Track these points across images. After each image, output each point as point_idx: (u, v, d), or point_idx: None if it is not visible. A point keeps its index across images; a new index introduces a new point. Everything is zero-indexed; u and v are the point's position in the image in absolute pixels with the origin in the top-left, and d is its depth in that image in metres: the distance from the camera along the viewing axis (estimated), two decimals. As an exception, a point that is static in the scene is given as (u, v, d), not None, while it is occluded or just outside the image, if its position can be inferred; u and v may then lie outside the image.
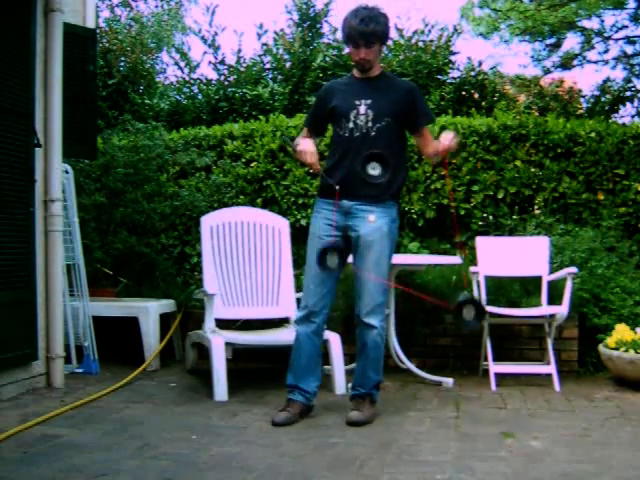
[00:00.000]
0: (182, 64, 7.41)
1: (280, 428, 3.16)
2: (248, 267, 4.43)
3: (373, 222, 3.27)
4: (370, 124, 3.27)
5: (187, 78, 7.37)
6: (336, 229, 3.31)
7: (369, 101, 3.29)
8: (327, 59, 6.81)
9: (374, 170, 3.23)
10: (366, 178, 3.22)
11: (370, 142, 3.25)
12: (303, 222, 5.26)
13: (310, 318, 3.33)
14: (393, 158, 3.31)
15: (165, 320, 4.68)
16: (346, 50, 3.37)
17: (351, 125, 3.29)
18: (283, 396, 3.41)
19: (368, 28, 3.21)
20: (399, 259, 4.40)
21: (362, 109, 3.28)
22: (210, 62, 7.28)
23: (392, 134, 3.32)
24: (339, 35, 7.26)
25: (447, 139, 3.32)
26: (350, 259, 3.41)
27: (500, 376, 4.13)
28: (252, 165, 5.58)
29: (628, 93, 7.35)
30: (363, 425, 3.20)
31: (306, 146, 3.29)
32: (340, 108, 3.32)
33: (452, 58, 7.03)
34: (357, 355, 3.39)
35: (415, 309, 4.59)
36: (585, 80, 18.51)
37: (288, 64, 6.97)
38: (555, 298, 4.36)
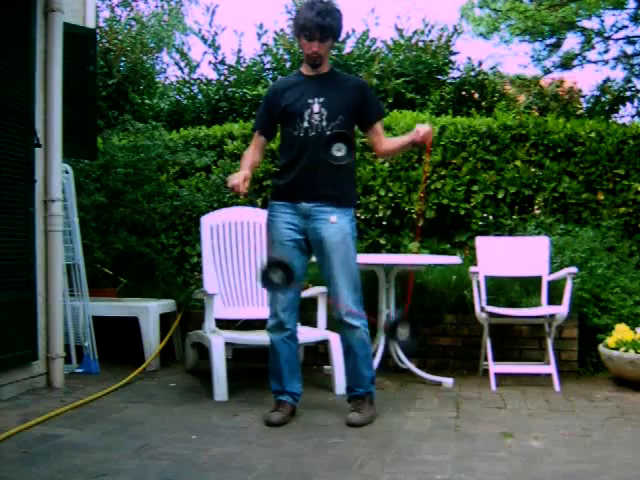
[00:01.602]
0: (182, 64, 7.42)
1: (280, 428, 3.16)
2: (248, 267, 4.43)
3: (335, 222, 3.21)
4: (325, 123, 3.20)
5: (187, 78, 7.38)
6: (297, 232, 3.26)
7: (322, 99, 3.22)
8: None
9: (339, 151, 3.14)
10: (332, 160, 3.12)
11: (325, 141, 3.17)
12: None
13: (283, 326, 3.29)
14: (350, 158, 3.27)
15: (165, 320, 4.68)
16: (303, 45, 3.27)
17: (306, 124, 3.21)
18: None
19: (325, 21, 3.16)
20: (399, 259, 4.41)
21: (316, 108, 3.21)
22: (210, 62, 7.29)
23: (347, 132, 3.24)
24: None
25: (424, 130, 3.21)
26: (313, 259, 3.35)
27: (500, 376, 4.13)
28: (252, 165, 5.58)
29: (628, 93, 7.36)
30: (363, 426, 3.20)
31: (234, 176, 3.21)
32: (293, 107, 3.24)
33: (452, 58, 7.04)
34: (345, 356, 3.35)
35: (415, 309, 4.58)
36: (585, 80, 18.49)
37: (288, 64, 6.98)
38: (555, 298, 4.36)
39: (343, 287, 3.22)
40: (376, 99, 3.52)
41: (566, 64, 9.61)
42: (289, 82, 3.39)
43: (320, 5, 3.17)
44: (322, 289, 4.09)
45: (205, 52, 7.32)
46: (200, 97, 7.13)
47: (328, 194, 3.22)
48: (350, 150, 3.16)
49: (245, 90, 6.81)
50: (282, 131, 3.36)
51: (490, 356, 4.17)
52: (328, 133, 3.19)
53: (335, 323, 3.37)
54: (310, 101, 3.22)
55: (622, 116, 7.29)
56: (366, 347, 3.30)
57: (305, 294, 4.37)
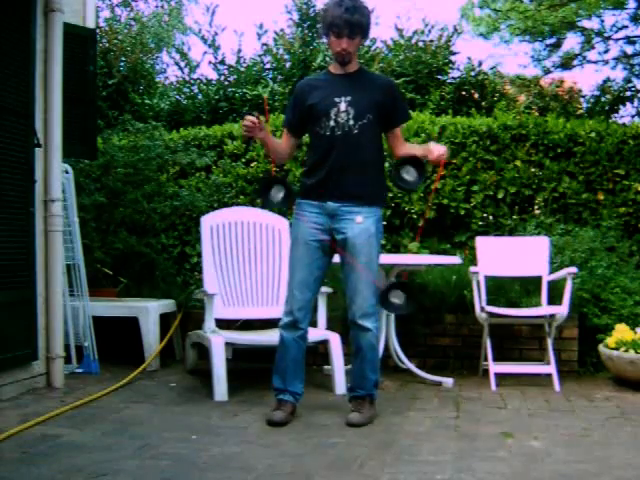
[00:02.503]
0: (182, 64, 7.42)
1: (280, 428, 3.16)
2: (248, 267, 4.43)
3: (361, 223, 3.21)
4: (352, 122, 3.19)
5: (187, 78, 7.37)
6: (323, 232, 3.24)
7: (349, 98, 3.20)
8: (327, 59, 6.81)
9: (408, 174, 3.18)
10: (400, 183, 3.18)
11: (353, 140, 3.18)
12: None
13: (296, 325, 3.27)
14: (378, 157, 3.29)
15: (165, 320, 4.68)
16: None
17: (332, 123, 3.20)
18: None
19: (353, 17, 3.15)
20: (399, 259, 4.41)
21: (343, 106, 3.19)
22: (210, 62, 7.29)
23: (374, 131, 3.26)
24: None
25: (439, 151, 3.25)
26: (337, 259, 3.35)
27: (500, 376, 4.13)
28: (252, 165, 5.58)
29: (628, 93, 7.36)
30: (363, 426, 3.19)
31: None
32: (319, 106, 3.22)
33: (452, 58, 7.04)
34: (353, 358, 3.34)
35: (415, 309, 4.58)
36: (585, 80, 18.49)
37: (288, 64, 6.98)
38: (555, 298, 4.36)
39: (363, 289, 3.21)
40: (404, 102, 3.51)
41: (566, 64, 9.62)
42: (317, 80, 3.41)
43: (348, 2, 3.16)
44: (323, 289, 4.09)
45: (205, 52, 7.33)
46: (200, 97, 7.13)
47: (355, 194, 3.22)
48: (421, 174, 3.19)
49: (245, 90, 6.80)
50: (310, 130, 3.33)
51: (490, 356, 4.17)
52: (356, 132, 3.18)
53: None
54: (337, 100, 3.20)
55: (622, 116, 7.29)
56: (375, 351, 3.31)
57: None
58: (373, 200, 3.27)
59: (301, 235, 3.27)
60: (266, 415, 3.26)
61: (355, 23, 3.17)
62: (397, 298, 3.24)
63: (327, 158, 3.22)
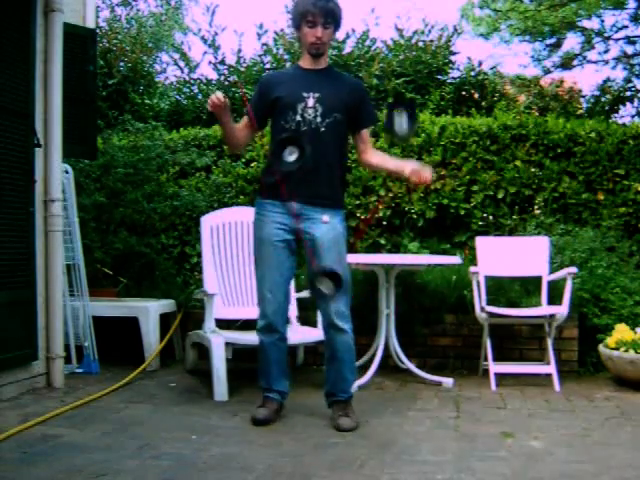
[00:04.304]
0: (182, 64, 7.41)
1: (280, 428, 3.16)
2: (248, 267, 4.43)
3: (327, 222, 3.14)
4: (319, 119, 3.11)
5: (187, 78, 7.37)
6: (288, 232, 3.17)
7: (317, 94, 3.12)
8: (327, 59, 6.80)
9: (291, 155, 2.99)
10: (280, 165, 3.00)
11: (319, 138, 3.09)
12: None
13: (272, 328, 3.21)
14: (342, 158, 3.25)
15: (165, 320, 4.68)
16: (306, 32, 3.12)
17: (298, 118, 3.11)
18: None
19: (328, 5, 3.10)
20: (399, 259, 4.41)
21: (310, 102, 3.11)
22: (210, 62, 7.28)
23: (340, 131, 3.17)
24: (339, 35, 7.26)
25: (424, 177, 3.11)
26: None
27: (500, 376, 4.13)
28: (252, 165, 5.58)
29: (628, 93, 7.36)
30: (355, 430, 3.13)
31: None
32: (286, 99, 3.12)
33: (452, 58, 7.03)
34: (329, 362, 3.25)
35: (415, 309, 4.59)
36: (585, 80, 18.49)
37: (288, 64, 6.97)
38: (555, 298, 4.36)
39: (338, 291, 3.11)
40: (371, 105, 3.43)
41: (566, 64, 9.63)
42: (285, 75, 3.31)
43: None
44: (322, 289, 4.09)
45: (205, 52, 7.32)
46: (200, 97, 7.12)
47: (321, 194, 3.15)
48: (301, 154, 2.99)
49: (245, 90, 6.79)
50: (273, 124, 3.20)
51: (490, 356, 4.17)
52: (322, 130, 3.10)
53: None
54: (305, 94, 3.12)
55: (622, 116, 7.29)
56: (352, 351, 3.23)
57: (305, 294, 4.38)
58: (336, 202, 3.22)
59: (266, 236, 3.18)
60: (251, 413, 3.24)
61: (329, 11, 3.12)
62: (326, 287, 3.04)
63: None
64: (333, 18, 3.16)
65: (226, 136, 3.33)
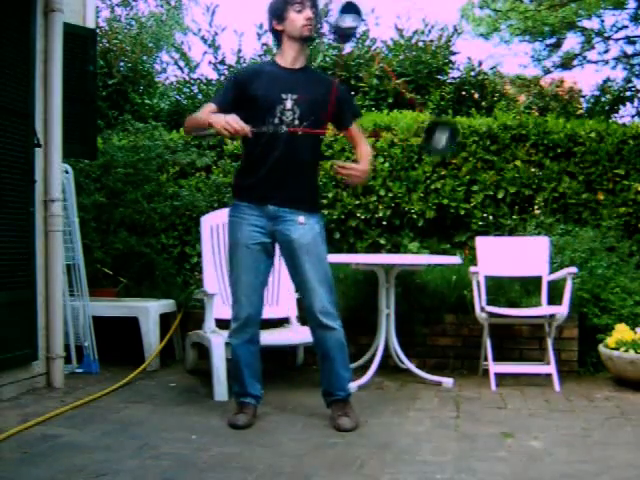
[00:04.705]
0: (182, 64, 7.41)
1: (280, 428, 3.16)
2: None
3: (304, 223, 3.11)
4: (297, 122, 3.06)
5: (187, 78, 7.37)
6: (264, 234, 3.14)
7: (295, 96, 3.06)
8: (327, 59, 6.81)
9: (441, 138, 2.93)
10: (431, 152, 3.04)
11: (296, 141, 3.05)
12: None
13: (244, 329, 3.19)
14: (317, 161, 3.24)
15: (165, 320, 4.68)
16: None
17: (276, 121, 3.05)
18: (282, 396, 3.41)
19: None
20: (399, 259, 4.41)
21: (289, 104, 3.06)
22: (210, 62, 7.29)
23: (317, 135, 3.18)
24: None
25: (359, 172, 3.13)
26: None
27: (500, 376, 4.13)
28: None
29: (628, 93, 7.36)
30: (355, 430, 3.11)
31: (221, 115, 2.94)
32: (264, 100, 3.05)
33: (452, 58, 7.04)
34: (322, 361, 3.22)
35: (415, 309, 4.59)
36: (585, 80, 18.48)
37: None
38: (555, 298, 4.36)
39: (318, 287, 3.10)
40: (352, 100, 3.40)
41: (566, 64, 9.63)
42: (263, 72, 3.18)
43: None
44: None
45: (205, 52, 7.32)
46: (200, 97, 7.12)
47: (298, 197, 3.12)
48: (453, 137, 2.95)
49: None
50: (247, 122, 3.00)
51: (490, 356, 4.16)
52: (300, 133, 3.06)
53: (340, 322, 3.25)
54: (284, 96, 3.06)
55: (622, 116, 7.29)
56: (344, 348, 3.19)
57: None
58: (312, 206, 3.20)
59: (242, 239, 3.14)
60: (229, 419, 3.21)
61: None
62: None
63: (268, 157, 3.08)
64: (315, 3, 3.16)
65: (194, 122, 3.17)
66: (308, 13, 3.10)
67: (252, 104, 3.07)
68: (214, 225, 4.43)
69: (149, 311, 4.50)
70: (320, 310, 3.11)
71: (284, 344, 4.28)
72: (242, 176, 3.25)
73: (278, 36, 3.21)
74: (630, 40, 9.25)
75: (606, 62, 9.56)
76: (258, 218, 3.14)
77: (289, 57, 3.16)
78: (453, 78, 6.98)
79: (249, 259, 3.15)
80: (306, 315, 3.23)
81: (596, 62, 9.69)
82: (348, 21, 3.01)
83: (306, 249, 3.11)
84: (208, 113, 3.04)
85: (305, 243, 3.11)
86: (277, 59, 3.21)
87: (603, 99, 7.29)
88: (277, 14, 3.15)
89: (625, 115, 7.35)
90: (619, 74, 9.19)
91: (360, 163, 3.23)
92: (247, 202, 3.16)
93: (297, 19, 3.10)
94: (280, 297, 4.44)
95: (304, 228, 3.12)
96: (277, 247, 3.25)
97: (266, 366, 3.40)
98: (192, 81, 7.32)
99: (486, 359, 4.24)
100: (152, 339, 4.49)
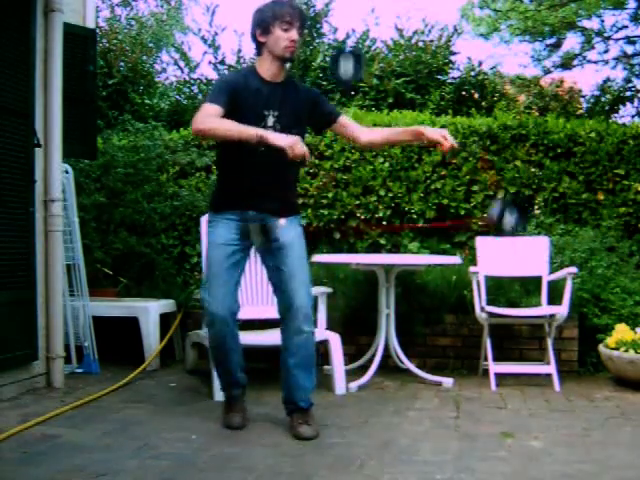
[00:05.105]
0: (182, 64, 7.42)
1: (280, 428, 3.15)
2: (248, 267, 4.42)
3: (284, 224, 3.08)
4: None
5: (187, 78, 7.37)
6: (242, 235, 3.10)
7: (277, 113, 3.03)
8: (327, 59, 6.81)
9: (501, 214, 3.08)
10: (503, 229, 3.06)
11: (276, 157, 2.90)
12: (303, 222, 5.25)
13: (223, 322, 3.10)
14: (297, 172, 3.25)
15: (165, 320, 4.68)
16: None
17: None
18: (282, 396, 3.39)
19: (302, 10, 3.07)
20: (399, 259, 4.41)
21: (270, 121, 3.03)
22: (210, 62, 7.29)
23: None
24: (339, 35, 7.27)
25: (439, 131, 3.04)
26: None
27: (500, 376, 4.13)
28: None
29: (628, 93, 7.37)
30: (315, 439, 3.01)
31: (283, 135, 2.89)
32: (247, 117, 2.95)
33: (452, 58, 7.04)
34: (288, 367, 3.12)
35: (415, 309, 4.59)
36: (585, 80, 18.48)
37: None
38: (555, 298, 4.36)
39: (301, 286, 3.06)
40: (329, 103, 3.38)
41: (566, 64, 9.63)
42: (248, 85, 3.06)
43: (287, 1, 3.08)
44: (323, 289, 4.09)
45: (205, 52, 7.33)
46: (200, 97, 7.12)
47: (278, 208, 3.10)
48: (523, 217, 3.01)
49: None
50: None
51: (490, 356, 4.17)
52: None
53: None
54: (266, 112, 3.03)
55: (622, 116, 7.30)
56: (313, 355, 3.14)
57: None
58: (291, 211, 3.18)
59: (220, 239, 3.11)
60: (224, 420, 3.19)
61: (304, 16, 3.09)
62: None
63: (249, 173, 3.05)
64: (303, 24, 3.11)
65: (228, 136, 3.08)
66: (294, 35, 3.02)
67: (235, 117, 2.95)
68: (214, 225, 4.43)
69: (149, 311, 4.50)
70: (300, 311, 3.05)
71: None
72: (222, 191, 3.21)
73: (259, 46, 3.12)
74: (630, 40, 9.25)
75: (606, 62, 9.56)
76: (237, 223, 3.11)
77: (270, 72, 3.10)
78: (453, 78, 6.99)
79: (224, 258, 3.09)
80: (281, 316, 3.14)
81: (596, 62, 9.69)
82: (348, 73, 3.21)
83: (289, 249, 3.09)
84: (254, 128, 2.91)
85: (288, 243, 3.09)
86: (259, 69, 3.12)
87: (603, 99, 7.29)
88: (262, 25, 3.06)
89: (625, 115, 7.37)
90: (619, 74, 9.19)
91: (421, 130, 3.12)
92: (227, 212, 3.12)
93: (281, 38, 3.02)
94: (280, 297, 4.43)
95: (285, 229, 3.10)
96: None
97: (266, 366, 3.40)
98: (192, 81, 7.33)
99: (486, 359, 4.24)
100: (152, 339, 4.49)
